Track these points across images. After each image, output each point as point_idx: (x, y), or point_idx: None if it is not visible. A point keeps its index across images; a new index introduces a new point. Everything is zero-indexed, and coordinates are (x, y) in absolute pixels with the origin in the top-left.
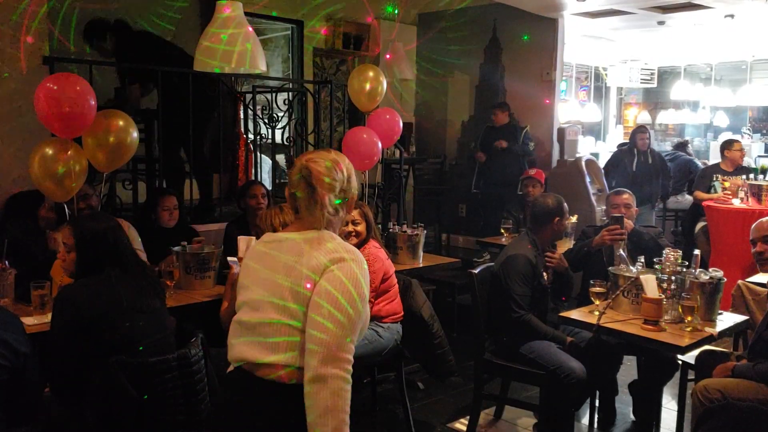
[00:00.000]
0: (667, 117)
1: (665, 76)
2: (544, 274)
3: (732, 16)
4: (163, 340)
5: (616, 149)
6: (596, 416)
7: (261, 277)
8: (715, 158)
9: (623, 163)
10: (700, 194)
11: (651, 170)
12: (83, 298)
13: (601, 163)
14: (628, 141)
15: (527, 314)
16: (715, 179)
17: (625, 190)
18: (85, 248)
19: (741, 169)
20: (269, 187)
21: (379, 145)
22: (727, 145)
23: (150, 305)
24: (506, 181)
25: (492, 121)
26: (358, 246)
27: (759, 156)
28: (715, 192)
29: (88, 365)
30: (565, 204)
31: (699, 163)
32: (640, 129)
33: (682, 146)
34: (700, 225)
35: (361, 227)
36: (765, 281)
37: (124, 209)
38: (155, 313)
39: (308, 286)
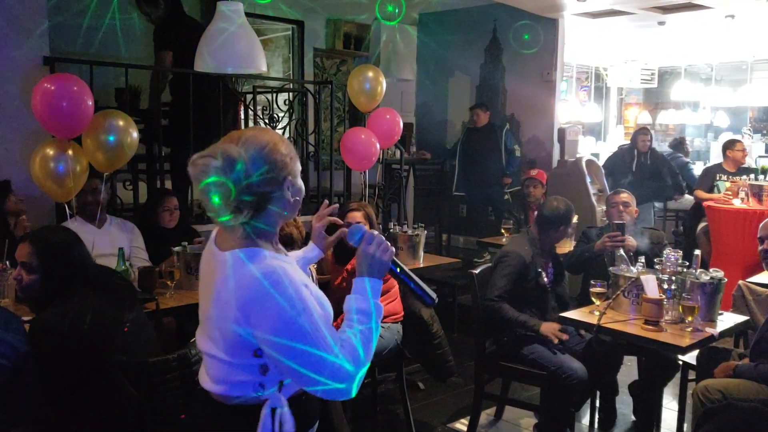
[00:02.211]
0: (667, 117)
1: (666, 76)
2: (543, 274)
3: (732, 16)
4: (152, 349)
5: (617, 149)
6: (597, 416)
7: None
8: (715, 158)
9: (624, 164)
10: (700, 193)
11: (651, 171)
12: (67, 328)
13: (601, 163)
14: (629, 141)
15: (499, 302)
16: (718, 179)
17: (624, 190)
18: (53, 266)
19: (743, 170)
20: None
21: (377, 145)
22: (729, 145)
23: (130, 316)
24: (490, 182)
25: (472, 122)
26: None
27: (759, 156)
28: (718, 191)
29: (84, 381)
30: (572, 214)
31: (693, 167)
32: (642, 130)
33: (679, 145)
34: (701, 225)
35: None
36: (766, 281)
37: (125, 209)
38: (136, 322)
39: None
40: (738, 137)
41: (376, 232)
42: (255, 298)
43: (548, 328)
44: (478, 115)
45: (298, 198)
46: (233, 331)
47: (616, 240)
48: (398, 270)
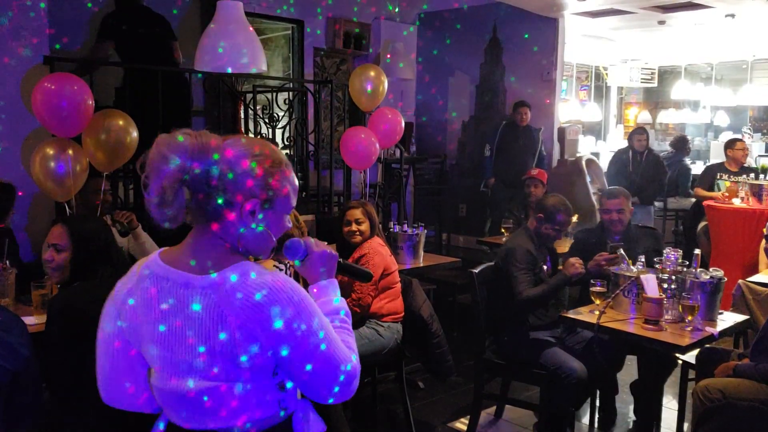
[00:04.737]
0: (667, 116)
1: (666, 75)
2: (544, 267)
3: (732, 15)
4: None
5: (616, 151)
6: (596, 416)
7: None
8: (715, 158)
9: (622, 164)
10: (700, 191)
11: (648, 171)
12: (81, 304)
13: (602, 162)
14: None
15: (525, 292)
16: (719, 178)
17: (620, 191)
18: (81, 248)
19: (745, 169)
20: None
21: (377, 145)
22: (729, 145)
23: None
24: (516, 182)
25: (513, 118)
26: (361, 243)
27: (759, 156)
28: (719, 190)
29: (89, 369)
30: (563, 216)
31: (693, 167)
32: (637, 131)
33: (681, 145)
34: (701, 224)
35: (364, 226)
36: (766, 281)
37: (126, 209)
38: None
39: None
40: (738, 136)
41: (307, 239)
42: (269, 316)
43: (569, 267)
44: (526, 113)
45: (266, 236)
46: (248, 356)
47: (613, 261)
48: (340, 260)
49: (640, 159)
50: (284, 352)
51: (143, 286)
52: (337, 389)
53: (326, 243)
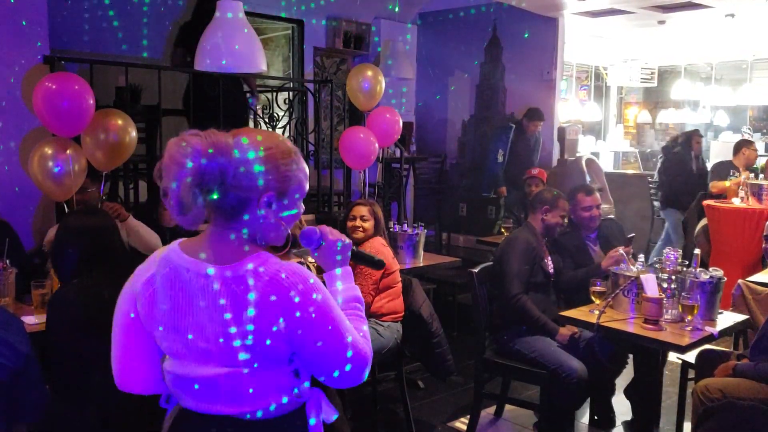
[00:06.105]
0: (667, 116)
1: (665, 75)
2: (547, 263)
3: (732, 15)
4: None
5: (665, 153)
6: (596, 415)
7: None
8: (715, 158)
9: (685, 167)
10: (718, 184)
11: (705, 174)
12: (77, 302)
13: (602, 162)
14: (678, 143)
15: (521, 297)
16: (732, 174)
17: (592, 187)
18: (69, 245)
19: (750, 170)
20: None
21: (376, 144)
22: (746, 144)
23: None
24: (521, 183)
25: (523, 126)
26: (363, 241)
27: (759, 155)
28: None
29: (88, 365)
30: (563, 201)
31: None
32: (697, 132)
33: (686, 144)
34: (700, 224)
35: (368, 224)
36: (765, 280)
37: (125, 207)
38: None
39: None
40: (737, 137)
41: (322, 227)
42: (290, 301)
43: (563, 336)
44: (539, 126)
45: (281, 228)
46: (268, 343)
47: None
48: (354, 249)
49: (700, 162)
50: (301, 332)
51: (163, 275)
52: (348, 369)
53: (339, 231)
